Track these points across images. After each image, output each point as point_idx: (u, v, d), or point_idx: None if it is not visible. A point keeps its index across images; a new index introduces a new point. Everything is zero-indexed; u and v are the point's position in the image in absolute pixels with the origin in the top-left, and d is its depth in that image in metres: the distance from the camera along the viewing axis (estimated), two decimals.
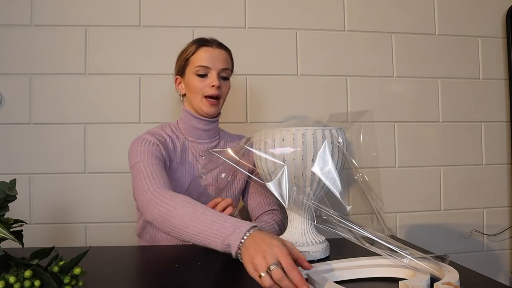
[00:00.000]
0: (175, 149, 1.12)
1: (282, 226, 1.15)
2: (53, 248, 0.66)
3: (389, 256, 0.72)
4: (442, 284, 0.61)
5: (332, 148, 0.83)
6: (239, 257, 0.72)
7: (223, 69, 1.11)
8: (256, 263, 0.65)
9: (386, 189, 1.54)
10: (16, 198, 0.66)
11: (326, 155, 0.81)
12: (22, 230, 0.68)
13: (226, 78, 1.13)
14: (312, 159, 0.81)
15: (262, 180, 0.89)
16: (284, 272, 0.63)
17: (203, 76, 1.09)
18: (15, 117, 1.40)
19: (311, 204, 0.82)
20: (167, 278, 0.77)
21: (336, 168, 0.82)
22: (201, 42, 1.11)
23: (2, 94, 1.39)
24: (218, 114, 1.16)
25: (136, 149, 1.03)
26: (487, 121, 1.63)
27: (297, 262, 0.67)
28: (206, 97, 1.09)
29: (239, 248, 0.72)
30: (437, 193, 1.59)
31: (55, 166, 1.40)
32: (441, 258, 0.72)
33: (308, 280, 0.68)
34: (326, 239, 0.91)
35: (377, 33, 1.58)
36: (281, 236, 0.89)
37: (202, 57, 1.09)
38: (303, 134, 0.81)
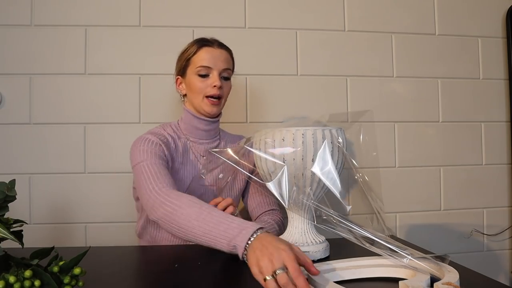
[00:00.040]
0: (177, 150, 1.12)
1: (282, 226, 1.15)
2: (53, 248, 0.66)
3: (389, 256, 0.72)
4: (442, 284, 0.61)
5: (332, 148, 0.83)
6: (245, 259, 0.71)
7: (225, 69, 1.11)
8: (262, 265, 0.65)
9: (386, 189, 1.54)
10: (15, 199, 0.66)
11: (326, 155, 0.81)
12: (22, 230, 0.68)
13: (227, 78, 1.13)
14: (312, 159, 0.81)
15: (262, 180, 0.89)
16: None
17: (204, 76, 1.09)
18: (15, 117, 1.40)
19: (311, 204, 0.82)
20: (167, 278, 0.76)
21: (336, 168, 0.82)
22: (202, 42, 1.11)
23: (2, 94, 1.39)
24: (219, 114, 1.16)
25: (138, 149, 1.03)
26: (487, 121, 1.63)
27: (304, 267, 0.66)
28: (207, 97, 1.09)
29: (245, 249, 0.71)
30: (437, 193, 1.59)
31: (55, 166, 1.40)
32: (441, 258, 0.72)
33: (308, 280, 0.67)
34: (326, 239, 0.91)
35: (377, 33, 1.58)
36: (281, 236, 0.89)
37: (204, 57, 1.09)
38: (303, 134, 0.81)
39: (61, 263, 0.64)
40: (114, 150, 1.42)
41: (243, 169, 0.89)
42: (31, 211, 1.39)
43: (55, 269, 0.62)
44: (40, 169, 1.40)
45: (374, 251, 0.73)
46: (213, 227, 0.78)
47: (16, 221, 0.67)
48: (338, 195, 0.81)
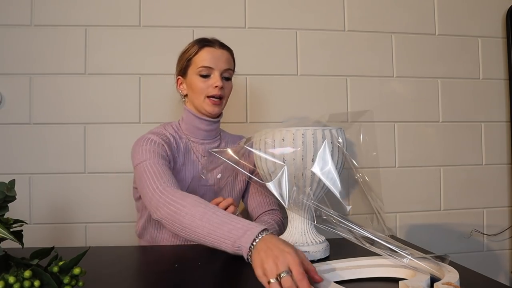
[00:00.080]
0: (179, 150, 1.11)
1: (282, 226, 1.15)
2: (53, 248, 0.66)
3: (389, 256, 0.72)
4: (442, 284, 0.61)
5: (332, 148, 0.83)
6: (249, 260, 0.71)
7: (226, 70, 1.10)
8: (267, 268, 0.64)
9: (386, 189, 1.54)
10: (15, 199, 0.66)
11: (326, 155, 0.81)
12: (22, 230, 0.68)
13: (229, 79, 1.13)
14: (312, 159, 0.81)
15: (262, 180, 0.89)
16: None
17: (205, 76, 1.09)
18: (15, 117, 1.40)
19: (311, 204, 0.82)
20: (167, 278, 0.76)
21: (336, 168, 0.82)
22: (204, 43, 1.11)
23: (2, 94, 1.39)
24: (220, 114, 1.16)
25: (141, 148, 1.03)
26: (487, 121, 1.63)
27: (307, 273, 0.65)
28: (209, 97, 1.09)
29: (249, 251, 0.71)
30: (437, 193, 1.59)
31: (55, 166, 1.40)
32: (441, 258, 0.72)
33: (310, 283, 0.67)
34: (326, 239, 0.91)
35: (377, 33, 1.58)
36: (281, 236, 0.89)
37: (205, 57, 1.09)
38: (303, 134, 0.81)
39: (61, 263, 0.64)
40: (114, 150, 1.42)
41: (243, 169, 0.89)
42: (31, 211, 1.39)
43: (55, 269, 0.62)
44: (40, 169, 1.40)
45: (374, 251, 0.73)
46: (218, 227, 0.77)
47: (16, 221, 0.67)
48: (338, 195, 0.81)
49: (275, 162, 0.82)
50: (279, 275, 0.62)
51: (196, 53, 1.10)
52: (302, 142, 0.81)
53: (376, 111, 1.55)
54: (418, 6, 1.60)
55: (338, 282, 0.68)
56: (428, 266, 0.69)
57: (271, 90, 1.51)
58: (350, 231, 0.74)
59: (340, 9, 1.56)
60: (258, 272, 0.66)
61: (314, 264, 0.74)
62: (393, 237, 1.05)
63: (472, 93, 1.62)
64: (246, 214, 1.25)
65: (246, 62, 1.47)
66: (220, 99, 1.10)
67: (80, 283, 0.64)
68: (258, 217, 1.18)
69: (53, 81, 1.41)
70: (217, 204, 0.95)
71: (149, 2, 1.46)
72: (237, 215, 0.87)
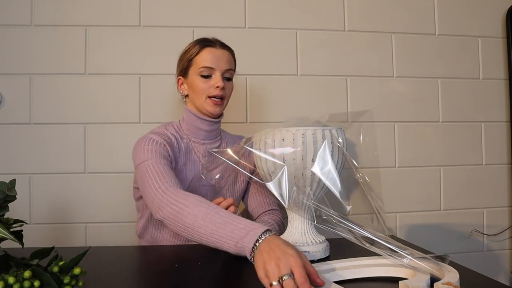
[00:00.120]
0: (180, 150, 1.11)
1: (282, 226, 1.15)
2: (53, 248, 0.66)
3: (389, 256, 0.72)
4: (442, 284, 0.61)
5: (332, 148, 0.83)
6: (252, 260, 0.71)
7: (227, 70, 1.10)
8: (269, 270, 0.64)
9: (386, 189, 1.54)
10: (15, 199, 0.66)
11: (326, 155, 0.81)
12: (22, 230, 0.68)
13: (230, 79, 1.13)
14: (312, 159, 0.81)
15: (262, 180, 0.89)
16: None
17: (207, 77, 1.09)
18: (15, 117, 1.40)
19: (311, 204, 0.82)
20: (167, 278, 0.76)
21: (336, 168, 0.82)
22: (205, 43, 1.11)
23: (2, 94, 1.39)
24: (221, 115, 1.16)
25: (142, 148, 1.03)
26: (487, 121, 1.63)
27: (309, 276, 0.64)
28: (210, 97, 1.09)
29: (252, 251, 0.71)
30: (437, 193, 1.59)
31: (55, 166, 1.40)
32: (441, 258, 0.72)
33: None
34: (326, 239, 0.91)
35: (377, 33, 1.58)
36: (281, 236, 0.88)
37: (206, 57, 1.08)
38: (303, 134, 0.81)
39: (61, 263, 0.64)
40: (114, 150, 1.42)
41: (243, 169, 0.89)
42: (31, 211, 1.39)
43: (55, 269, 0.62)
44: (40, 169, 1.40)
45: (374, 251, 0.73)
46: (220, 227, 0.77)
47: (16, 221, 0.67)
48: (338, 195, 0.81)
49: (275, 162, 0.82)
50: (281, 277, 0.62)
51: (197, 53, 1.10)
52: (302, 142, 0.81)
53: (376, 111, 1.55)
54: (418, 6, 1.60)
55: (338, 282, 0.68)
56: (428, 266, 0.69)
57: (271, 90, 1.51)
58: (350, 231, 0.74)
59: (340, 9, 1.56)
60: (261, 274, 0.66)
61: (314, 264, 0.74)
62: (393, 237, 1.05)
63: (472, 93, 1.62)
64: (246, 214, 1.25)
65: (246, 62, 1.47)
66: (221, 99, 1.09)
67: (80, 283, 0.64)
68: (258, 217, 1.18)
69: (53, 81, 1.41)
70: (218, 204, 0.95)
71: (149, 2, 1.46)
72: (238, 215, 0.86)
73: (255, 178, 0.89)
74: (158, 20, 1.46)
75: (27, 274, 0.58)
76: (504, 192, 1.63)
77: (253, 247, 0.71)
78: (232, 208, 0.95)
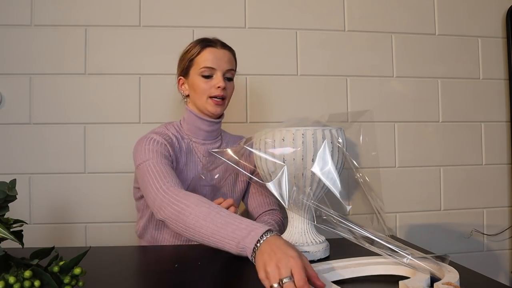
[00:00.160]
0: (181, 150, 1.11)
1: (282, 226, 1.15)
2: (53, 248, 0.66)
3: (389, 256, 0.72)
4: (442, 284, 0.61)
5: (332, 148, 0.83)
6: (253, 261, 0.71)
7: (228, 70, 1.10)
8: (269, 271, 0.64)
9: (386, 189, 1.54)
10: (16, 198, 0.66)
11: (326, 155, 0.81)
12: (22, 230, 0.68)
13: (231, 79, 1.13)
14: (312, 159, 0.81)
15: (262, 180, 0.89)
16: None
17: (208, 77, 1.08)
18: (15, 117, 1.40)
19: (311, 204, 0.82)
20: (167, 278, 0.77)
21: (336, 168, 0.82)
22: (206, 43, 1.10)
23: (2, 94, 1.39)
24: (222, 115, 1.16)
25: (143, 148, 1.02)
26: (487, 121, 1.63)
27: (309, 279, 0.64)
28: (211, 97, 1.08)
29: (253, 252, 0.71)
30: (437, 193, 1.59)
31: (55, 166, 1.40)
32: (441, 258, 0.72)
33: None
34: (326, 239, 0.91)
35: (377, 33, 1.58)
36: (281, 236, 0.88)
37: (207, 58, 1.08)
38: (303, 134, 0.81)
39: (61, 263, 0.64)
40: (114, 150, 1.42)
41: (243, 170, 0.89)
42: (31, 211, 1.39)
43: (55, 269, 0.62)
44: (40, 169, 1.40)
45: (374, 251, 0.73)
46: (221, 227, 0.77)
47: (16, 221, 0.67)
48: (338, 195, 0.81)
49: (275, 162, 0.82)
50: (281, 280, 0.62)
51: (198, 54, 1.10)
52: (302, 142, 0.81)
53: (376, 111, 1.55)
54: (418, 6, 1.60)
55: (338, 281, 0.68)
56: (428, 266, 0.69)
57: (271, 90, 1.51)
58: (350, 231, 0.74)
59: (340, 9, 1.56)
60: (261, 275, 0.66)
61: (314, 264, 0.74)
62: (393, 237, 1.05)
63: (472, 93, 1.62)
64: (246, 215, 1.25)
65: (246, 62, 1.46)
66: (222, 99, 1.09)
67: (80, 283, 0.64)
68: (258, 217, 1.18)
69: (53, 81, 1.41)
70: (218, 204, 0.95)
71: (149, 2, 1.46)
72: None
73: (255, 178, 0.88)
74: (158, 20, 1.46)
75: (27, 274, 0.58)
76: (504, 192, 1.63)
77: (254, 248, 0.71)
78: (232, 209, 0.95)
